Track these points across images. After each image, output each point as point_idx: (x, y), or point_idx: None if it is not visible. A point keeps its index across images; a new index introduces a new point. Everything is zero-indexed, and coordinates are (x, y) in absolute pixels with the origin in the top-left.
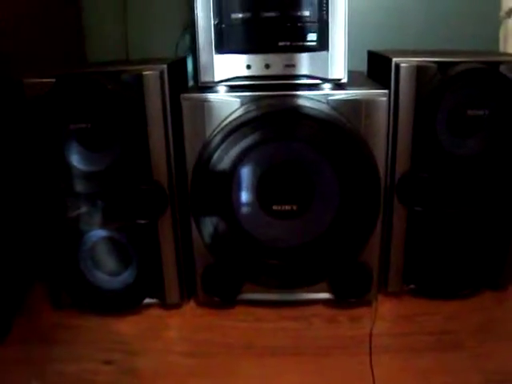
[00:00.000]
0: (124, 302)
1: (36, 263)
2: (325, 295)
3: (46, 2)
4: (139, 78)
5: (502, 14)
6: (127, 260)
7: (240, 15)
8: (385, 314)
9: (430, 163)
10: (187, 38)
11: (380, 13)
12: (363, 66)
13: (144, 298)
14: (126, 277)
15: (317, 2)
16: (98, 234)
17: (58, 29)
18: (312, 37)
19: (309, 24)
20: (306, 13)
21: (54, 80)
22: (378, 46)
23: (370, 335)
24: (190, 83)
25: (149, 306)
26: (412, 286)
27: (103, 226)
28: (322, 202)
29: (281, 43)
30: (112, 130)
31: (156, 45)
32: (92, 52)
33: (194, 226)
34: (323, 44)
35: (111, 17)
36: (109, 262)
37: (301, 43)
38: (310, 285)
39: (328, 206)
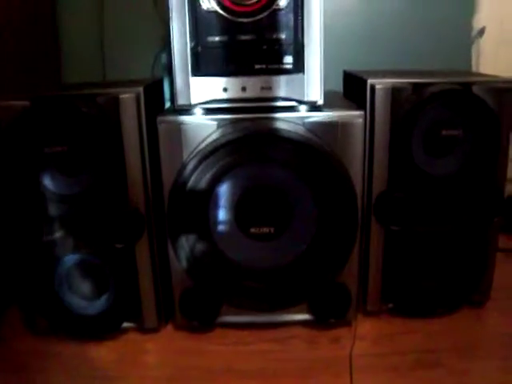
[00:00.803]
0: (101, 327)
1: (11, 287)
2: (304, 316)
3: (22, 21)
4: (115, 101)
5: (474, 33)
6: (104, 284)
7: (216, 38)
8: (365, 334)
9: (405, 183)
10: (163, 57)
11: (355, 33)
12: (339, 85)
13: (122, 323)
14: (103, 301)
15: (292, 25)
16: (75, 258)
17: (33, 48)
18: (288, 59)
19: (285, 47)
20: (282, 36)
21: (28, 103)
22: (354, 65)
23: (350, 356)
24: (167, 104)
25: (126, 330)
26: (391, 305)
27: (79, 250)
28: (299, 223)
29: (257, 66)
30: (88, 154)
31: (133, 64)
32: (68, 72)
33: (171, 249)
34: (299, 67)
35: (88, 37)
36: (85, 286)
37: (277, 66)
38: (289, 306)
39: (306, 228)
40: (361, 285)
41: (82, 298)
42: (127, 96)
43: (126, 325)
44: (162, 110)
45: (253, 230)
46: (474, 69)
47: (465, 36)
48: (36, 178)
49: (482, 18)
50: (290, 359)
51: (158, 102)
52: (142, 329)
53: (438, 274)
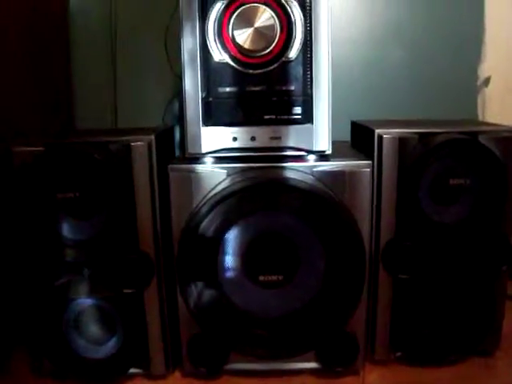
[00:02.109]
0: (108, 372)
1: (18, 328)
2: (312, 365)
3: (36, 67)
4: (127, 149)
5: (480, 82)
6: (112, 329)
7: (227, 89)
8: (372, 383)
9: (413, 231)
10: (175, 106)
11: (362, 84)
12: (346, 135)
13: (129, 368)
14: (111, 346)
15: (301, 76)
16: (84, 302)
17: (47, 94)
18: (297, 110)
19: (294, 98)
20: (291, 87)
21: (42, 149)
22: (361, 115)
23: None
24: (177, 152)
25: (133, 375)
26: (399, 354)
27: (89, 294)
28: (307, 271)
29: (266, 116)
30: (99, 200)
31: (144, 112)
32: (80, 118)
33: (179, 295)
34: (308, 117)
35: (100, 83)
36: (93, 330)
37: (286, 116)
38: (297, 355)
39: (314, 276)
40: (369, 333)
41: (90, 341)
42: (139, 144)
43: (132, 370)
44: (172, 158)
45: (261, 277)
46: (480, 117)
47: (471, 85)
48: (48, 223)
49: (487, 67)
50: None
51: (169, 150)
52: (149, 375)
53: (447, 322)
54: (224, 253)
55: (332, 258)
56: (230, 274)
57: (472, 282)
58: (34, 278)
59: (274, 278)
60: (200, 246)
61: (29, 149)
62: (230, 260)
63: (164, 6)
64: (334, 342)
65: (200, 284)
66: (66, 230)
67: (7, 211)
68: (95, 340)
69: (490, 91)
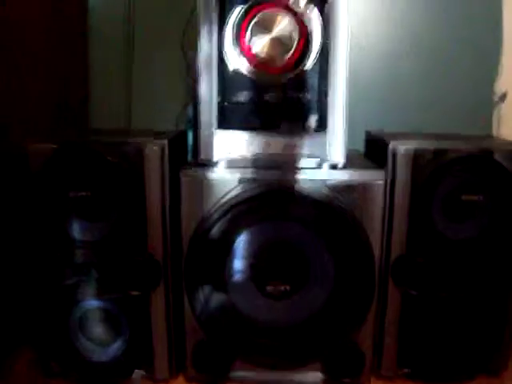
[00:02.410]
0: (113, 373)
1: (25, 327)
2: (318, 375)
3: (53, 67)
4: (140, 152)
5: (496, 98)
6: (118, 331)
7: (242, 96)
8: None
9: (425, 247)
10: (190, 110)
11: (378, 94)
12: (360, 144)
13: (133, 371)
14: (116, 348)
15: (317, 86)
16: (90, 303)
17: (63, 93)
18: (312, 119)
19: (309, 107)
20: (307, 96)
21: (56, 147)
22: (375, 125)
23: None
24: (190, 156)
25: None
26: (406, 370)
27: (96, 295)
28: (316, 282)
29: (281, 124)
30: (110, 201)
31: (158, 115)
32: (96, 117)
33: (186, 300)
34: (323, 126)
35: (116, 84)
36: (99, 332)
37: (301, 125)
38: (303, 365)
39: (322, 287)
40: (376, 347)
41: (95, 343)
42: (152, 148)
43: (136, 373)
44: (185, 162)
45: (269, 286)
46: (494, 133)
47: (487, 100)
48: (59, 222)
49: (504, 83)
50: None
51: (182, 155)
52: (153, 379)
53: (456, 340)
54: (232, 260)
55: (341, 269)
56: (237, 282)
57: (483, 299)
58: (43, 277)
59: (282, 287)
60: (209, 252)
61: (43, 147)
62: (238, 267)
63: (181, 9)
64: (341, 354)
65: (207, 290)
66: (76, 230)
67: (20, 208)
68: (101, 342)
69: (506, 107)
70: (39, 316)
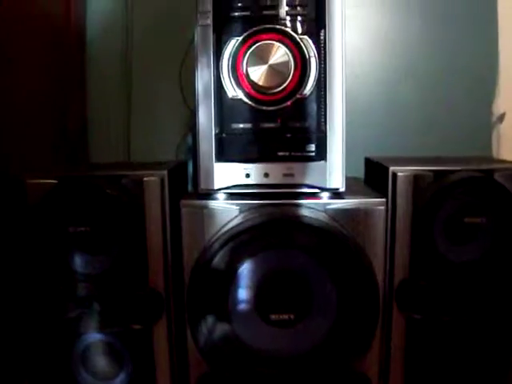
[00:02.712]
0: None
1: (26, 361)
2: None
3: (52, 101)
4: (140, 184)
5: (495, 119)
6: (120, 365)
7: (241, 125)
8: None
9: (428, 270)
10: (189, 141)
11: (376, 120)
12: (360, 171)
13: None
14: (119, 382)
15: (315, 114)
16: (92, 337)
17: (62, 128)
18: (311, 147)
19: (308, 135)
20: (305, 124)
21: (55, 182)
22: (374, 151)
23: None
24: (190, 187)
25: None
26: None
27: (98, 329)
28: (319, 310)
29: (280, 153)
30: (111, 234)
31: (157, 146)
32: (95, 150)
33: (189, 332)
34: (321, 154)
35: (115, 117)
36: (102, 366)
37: (299, 153)
38: None
39: (326, 315)
40: (382, 374)
41: (98, 377)
42: (152, 179)
43: None
44: (185, 193)
45: (272, 316)
46: (494, 154)
47: (485, 122)
48: (59, 256)
49: (502, 104)
50: None
51: (182, 185)
52: None
53: (462, 364)
54: (235, 290)
55: (345, 297)
56: (240, 312)
57: (488, 322)
58: (44, 311)
59: (286, 316)
60: (211, 283)
61: (42, 181)
62: (241, 297)
63: (179, 41)
64: (347, 382)
65: (210, 321)
66: (76, 263)
67: (19, 243)
68: (103, 376)
69: (504, 128)
70: (40, 350)
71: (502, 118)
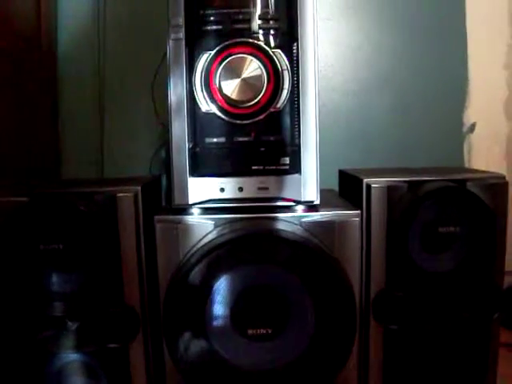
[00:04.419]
0: None
1: None
2: None
3: (22, 118)
4: (113, 200)
5: (465, 129)
6: None
7: (214, 139)
8: None
9: (404, 281)
10: (162, 155)
11: (349, 133)
12: (334, 183)
13: None
14: None
15: (289, 127)
16: (67, 357)
17: (33, 144)
18: (285, 160)
19: (281, 148)
20: (279, 137)
21: (26, 199)
22: (348, 163)
23: None
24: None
25: None
26: None
27: (72, 348)
28: (297, 324)
29: (254, 167)
30: (84, 251)
31: (131, 161)
32: (67, 166)
33: (166, 349)
34: (296, 167)
35: (87, 134)
36: None
37: (274, 167)
38: None
39: (303, 328)
40: None
41: None
42: (125, 195)
43: None
44: (159, 208)
45: (250, 330)
46: (466, 164)
47: (457, 132)
48: (31, 275)
49: (472, 114)
50: None
51: (156, 200)
52: None
53: (440, 372)
54: (212, 305)
55: (322, 309)
56: (217, 327)
57: (464, 330)
58: (16, 331)
59: (263, 331)
60: (187, 298)
61: (13, 199)
62: (217, 312)
63: (152, 55)
64: None
65: (187, 337)
66: (49, 282)
67: None
68: None
69: (475, 137)
70: (14, 371)
71: (472, 127)
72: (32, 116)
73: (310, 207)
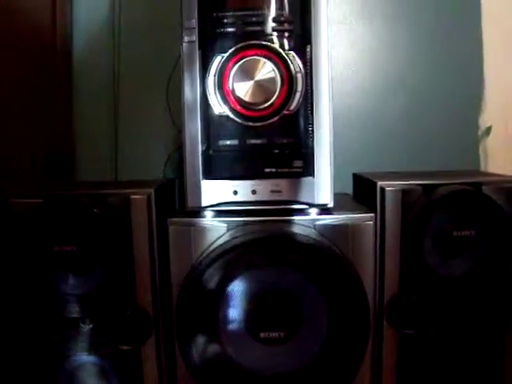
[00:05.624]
0: None
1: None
2: None
3: (38, 120)
4: (126, 202)
5: (481, 132)
6: None
7: (227, 142)
8: None
9: (418, 285)
10: (176, 158)
11: (364, 136)
12: (348, 187)
13: None
14: None
15: (302, 129)
16: (80, 359)
17: (47, 145)
18: (298, 163)
19: (295, 151)
20: (292, 140)
21: (40, 200)
22: (362, 166)
23: None
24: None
25: None
26: None
27: (85, 351)
28: (310, 327)
29: (267, 169)
30: (97, 253)
31: (145, 165)
32: (82, 168)
33: (178, 352)
34: (309, 170)
35: (102, 137)
36: None
37: (287, 170)
38: None
39: (316, 332)
40: None
41: None
42: (138, 197)
43: None
44: (172, 211)
45: (262, 334)
46: (482, 168)
47: (472, 135)
48: (44, 276)
49: (488, 117)
50: None
51: (169, 203)
52: None
53: (455, 378)
54: (224, 308)
55: (335, 313)
56: (230, 330)
57: (480, 336)
58: (30, 332)
59: (276, 334)
60: (200, 301)
61: (27, 200)
62: (230, 316)
63: (166, 59)
64: None
65: (200, 341)
66: (62, 284)
67: (4, 262)
68: None
69: (491, 141)
70: (27, 373)
71: (488, 131)
72: (48, 118)
73: (324, 210)
